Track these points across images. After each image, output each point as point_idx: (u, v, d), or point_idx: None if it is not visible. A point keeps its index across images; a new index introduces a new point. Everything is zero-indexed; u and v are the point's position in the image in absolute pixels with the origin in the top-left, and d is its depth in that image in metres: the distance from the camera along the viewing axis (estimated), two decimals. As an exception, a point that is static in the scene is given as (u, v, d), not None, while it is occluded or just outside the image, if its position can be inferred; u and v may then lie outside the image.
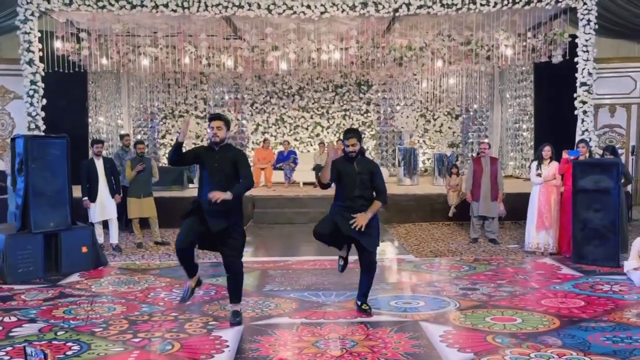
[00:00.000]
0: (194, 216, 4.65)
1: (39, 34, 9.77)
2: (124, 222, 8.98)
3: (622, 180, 7.51)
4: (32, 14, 9.58)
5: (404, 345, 4.21)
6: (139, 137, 14.44)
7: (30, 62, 9.65)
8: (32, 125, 9.68)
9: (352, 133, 4.95)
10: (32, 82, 9.69)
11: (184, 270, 4.90)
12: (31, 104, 9.70)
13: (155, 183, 8.74)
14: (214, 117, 4.79)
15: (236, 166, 4.69)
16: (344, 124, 15.00)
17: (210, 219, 4.56)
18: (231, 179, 4.66)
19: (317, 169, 12.53)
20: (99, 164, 7.78)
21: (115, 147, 13.81)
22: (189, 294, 4.95)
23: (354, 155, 4.93)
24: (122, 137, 9.85)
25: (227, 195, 4.44)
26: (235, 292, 4.82)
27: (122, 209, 8.42)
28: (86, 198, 7.69)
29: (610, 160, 7.35)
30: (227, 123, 4.79)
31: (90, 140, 10.61)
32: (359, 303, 5.10)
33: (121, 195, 8.13)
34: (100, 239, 7.80)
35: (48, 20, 10.17)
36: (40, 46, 9.76)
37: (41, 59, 9.81)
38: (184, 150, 4.84)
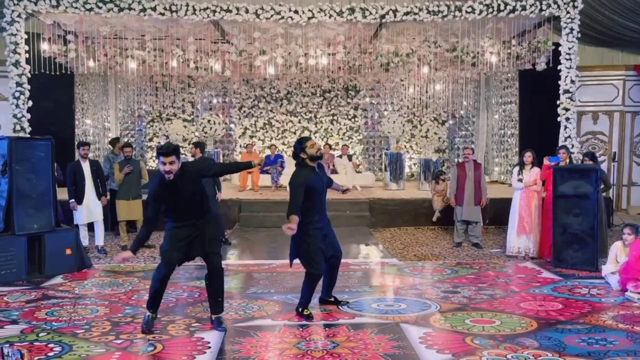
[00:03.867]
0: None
1: (26, 36, 9.75)
2: (110, 225, 8.97)
3: (602, 186, 7.65)
4: (19, 16, 9.54)
5: (384, 347, 4.27)
6: (125, 139, 14.39)
7: (16, 64, 9.60)
8: (18, 127, 9.63)
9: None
10: (18, 84, 9.64)
11: (153, 299, 4.71)
12: (17, 106, 9.65)
13: (144, 185, 8.74)
14: (163, 153, 4.35)
15: (202, 180, 4.67)
16: (331, 129, 15.09)
17: (199, 243, 4.60)
18: (201, 197, 4.64)
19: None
20: (85, 166, 7.79)
21: (102, 150, 13.76)
22: (151, 324, 4.69)
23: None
24: (114, 141, 9.80)
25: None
26: (222, 300, 4.79)
27: (108, 211, 8.42)
28: (73, 200, 7.69)
29: (589, 166, 7.48)
30: (178, 153, 4.49)
31: (76, 143, 10.59)
32: (333, 298, 5.39)
33: (107, 197, 8.13)
34: (85, 242, 7.78)
35: (35, 22, 10.15)
36: (26, 48, 9.73)
37: (27, 61, 9.78)
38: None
